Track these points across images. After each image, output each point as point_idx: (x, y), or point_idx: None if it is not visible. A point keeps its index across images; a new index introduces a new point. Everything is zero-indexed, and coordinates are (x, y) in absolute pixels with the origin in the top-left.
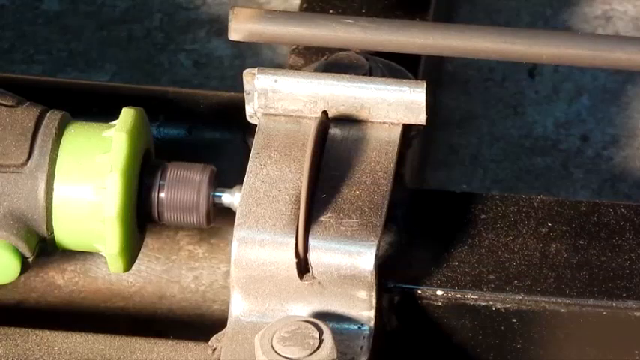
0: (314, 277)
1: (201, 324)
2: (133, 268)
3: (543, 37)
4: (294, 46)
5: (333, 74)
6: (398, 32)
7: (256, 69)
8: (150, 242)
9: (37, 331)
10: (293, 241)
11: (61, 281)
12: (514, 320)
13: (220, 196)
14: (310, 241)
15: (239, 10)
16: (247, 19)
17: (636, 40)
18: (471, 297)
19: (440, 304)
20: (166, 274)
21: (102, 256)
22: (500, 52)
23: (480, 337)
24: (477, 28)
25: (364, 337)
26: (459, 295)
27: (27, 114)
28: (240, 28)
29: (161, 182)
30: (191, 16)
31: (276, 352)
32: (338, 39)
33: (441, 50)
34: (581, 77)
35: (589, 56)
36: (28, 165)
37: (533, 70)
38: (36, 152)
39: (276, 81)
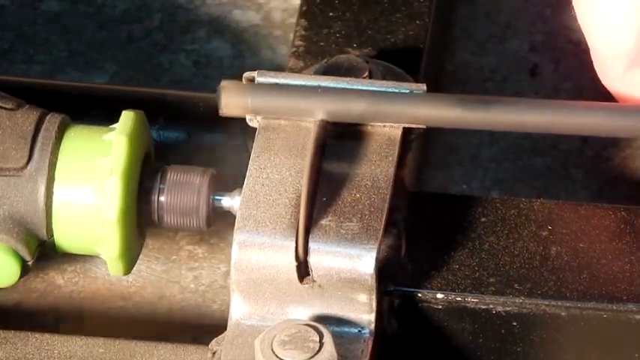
0: (314, 281)
1: (201, 324)
2: (133, 268)
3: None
4: (294, 49)
5: (333, 77)
6: (379, 103)
7: (256, 72)
8: (150, 243)
9: (36, 335)
10: (293, 244)
11: (61, 281)
12: (514, 323)
13: (220, 200)
14: (310, 244)
15: (228, 84)
16: (237, 93)
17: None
18: (472, 300)
19: (440, 307)
20: (166, 275)
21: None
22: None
23: (481, 341)
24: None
25: (364, 341)
26: (459, 299)
27: (26, 117)
28: (231, 103)
29: (161, 185)
30: (191, 16)
31: (276, 355)
32: (326, 109)
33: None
34: (581, 77)
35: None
36: (28, 168)
37: (534, 69)
38: (36, 155)
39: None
